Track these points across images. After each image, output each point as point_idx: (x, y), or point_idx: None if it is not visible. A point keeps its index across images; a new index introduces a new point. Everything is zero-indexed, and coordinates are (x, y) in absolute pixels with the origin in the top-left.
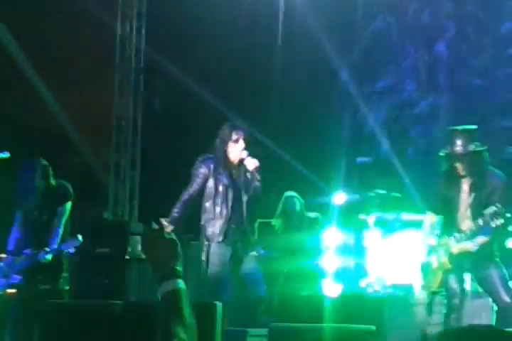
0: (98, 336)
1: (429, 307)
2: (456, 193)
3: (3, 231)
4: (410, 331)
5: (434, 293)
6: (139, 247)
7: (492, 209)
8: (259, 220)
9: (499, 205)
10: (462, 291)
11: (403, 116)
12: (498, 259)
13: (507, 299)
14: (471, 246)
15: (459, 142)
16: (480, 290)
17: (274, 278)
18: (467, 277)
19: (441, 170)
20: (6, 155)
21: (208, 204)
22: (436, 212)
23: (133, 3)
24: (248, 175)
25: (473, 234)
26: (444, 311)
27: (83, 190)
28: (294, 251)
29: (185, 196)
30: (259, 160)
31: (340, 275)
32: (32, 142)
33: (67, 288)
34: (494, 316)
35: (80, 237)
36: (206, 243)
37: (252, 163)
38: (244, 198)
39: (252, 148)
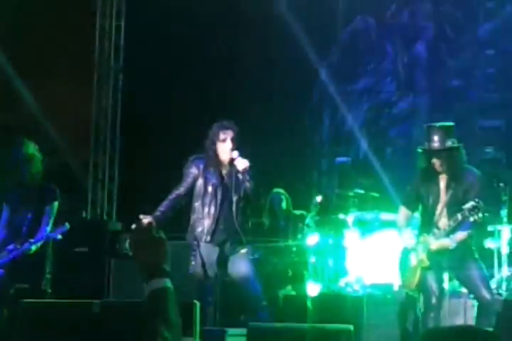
0: (76, 336)
1: (407, 305)
2: (433, 191)
3: None
4: (389, 330)
5: (412, 292)
6: (126, 244)
7: (471, 203)
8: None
9: (478, 200)
10: (441, 290)
11: (382, 116)
12: (477, 256)
13: (487, 296)
14: (449, 243)
15: (436, 138)
16: (459, 289)
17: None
18: (445, 276)
19: (417, 166)
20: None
21: (197, 204)
22: (410, 208)
23: (112, 0)
24: (239, 175)
25: (451, 230)
26: (422, 310)
27: (61, 190)
28: (279, 250)
29: (172, 195)
30: (250, 161)
31: (319, 274)
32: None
33: (49, 290)
34: (473, 315)
35: (67, 224)
36: (194, 243)
37: (242, 163)
38: (235, 198)
39: (241, 148)
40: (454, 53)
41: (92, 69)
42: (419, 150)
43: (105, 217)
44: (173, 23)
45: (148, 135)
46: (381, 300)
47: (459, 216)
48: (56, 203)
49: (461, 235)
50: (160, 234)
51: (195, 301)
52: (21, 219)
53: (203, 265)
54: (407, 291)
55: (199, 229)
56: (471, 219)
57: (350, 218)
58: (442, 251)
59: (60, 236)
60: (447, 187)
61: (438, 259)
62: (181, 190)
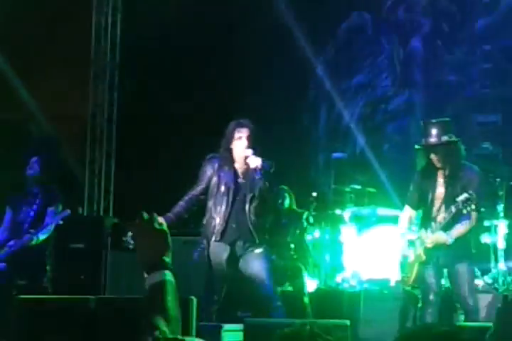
0: (73, 332)
1: (409, 303)
2: (431, 187)
3: None
4: (386, 325)
5: (410, 288)
6: (129, 238)
7: (464, 195)
8: None
9: (471, 192)
10: (439, 286)
11: (379, 112)
12: (474, 251)
13: (471, 303)
14: (445, 238)
15: (433, 133)
16: None
17: None
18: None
19: (417, 164)
20: None
21: (210, 203)
22: (414, 207)
23: None
24: (255, 174)
25: (447, 224)
26: (420, 305)
27: (58, 186)
28: (278, 247)
29: (187, 195)
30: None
31: (316, 270)
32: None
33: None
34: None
35: (68, 210)
36: (205, 241)
37: (254, 162)
38: (248, 197)
39: (256, 147)
40: (450, 49)
41: (89, 66)
42: (417, 147)
43: (102, 213)
44: (170, 20)
45: (145, 131)
46: (378, 296)
47: (453, 208)
48: (60, 206)
49: (458, 230)
50: (162, 226)
51: (192, 297)
52: (24, 217)
53: (212, 263)
54: (403, 287)
55: (210, 228)
56: (464, 211)
57: (346, 213)
58: (439, 246)
59: (61, 222)
60: (445, 183)
61: (435, 254)
62: (197, 190)
